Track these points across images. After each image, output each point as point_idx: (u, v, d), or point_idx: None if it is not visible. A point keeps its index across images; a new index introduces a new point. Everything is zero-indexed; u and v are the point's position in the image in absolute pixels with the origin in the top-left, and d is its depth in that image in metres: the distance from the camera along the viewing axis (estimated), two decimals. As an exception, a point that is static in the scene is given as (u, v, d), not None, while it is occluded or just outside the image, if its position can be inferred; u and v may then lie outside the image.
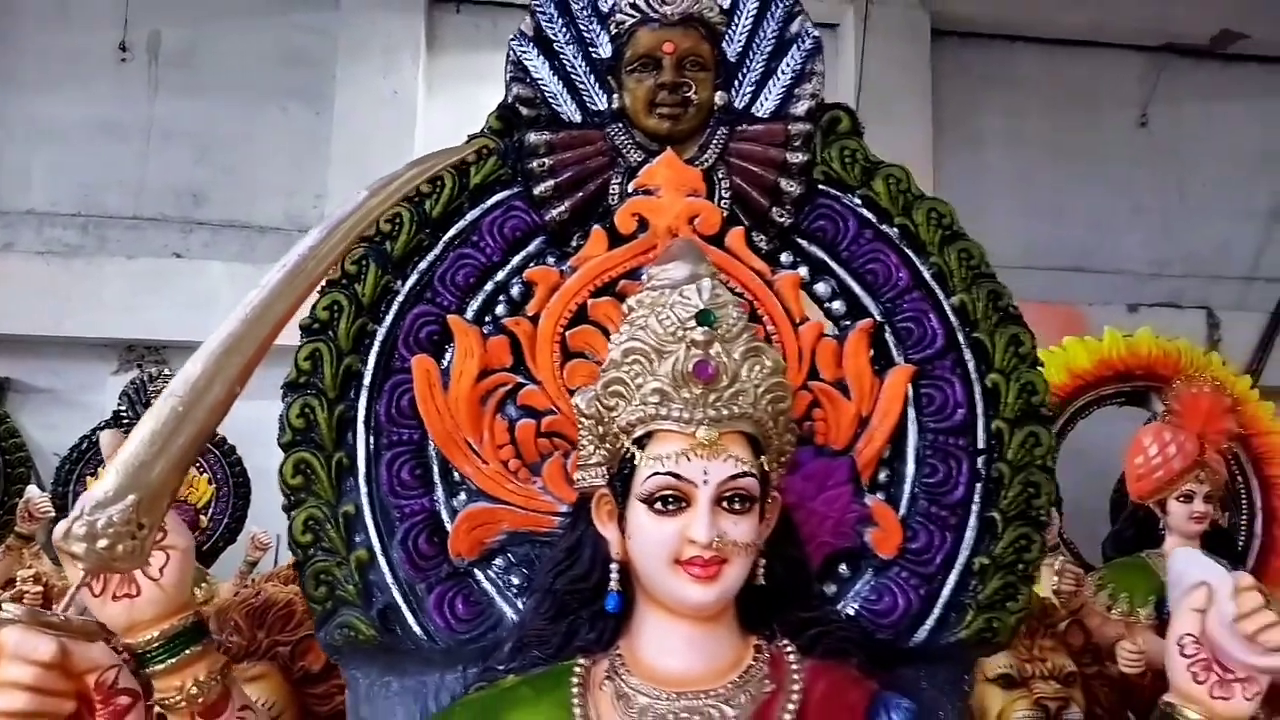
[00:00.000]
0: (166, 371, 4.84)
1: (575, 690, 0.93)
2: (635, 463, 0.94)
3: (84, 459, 4.68)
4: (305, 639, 2.09)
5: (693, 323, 0.94)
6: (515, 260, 1.25)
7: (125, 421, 4.71)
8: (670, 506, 0.91)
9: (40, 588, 3.38)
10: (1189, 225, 6.72)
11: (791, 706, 0.91)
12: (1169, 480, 3.02)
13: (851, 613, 1.12)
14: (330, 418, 1.17)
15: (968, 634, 1.13)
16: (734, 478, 0.91)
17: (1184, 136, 6.76)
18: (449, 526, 1.14)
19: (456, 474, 1.16)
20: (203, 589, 4.28)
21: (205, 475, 4.77)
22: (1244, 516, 3.54)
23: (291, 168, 6.03)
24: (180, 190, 5.91)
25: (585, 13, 1.34)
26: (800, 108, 1.29)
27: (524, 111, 1.30)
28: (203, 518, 4.67)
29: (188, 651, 0.95)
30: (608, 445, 0.98)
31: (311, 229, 0.99)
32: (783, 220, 1.24)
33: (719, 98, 1.29)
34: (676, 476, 0.91)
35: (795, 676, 0.94)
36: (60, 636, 0.73)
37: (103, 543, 0.77)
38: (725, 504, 0.91)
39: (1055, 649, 2.47)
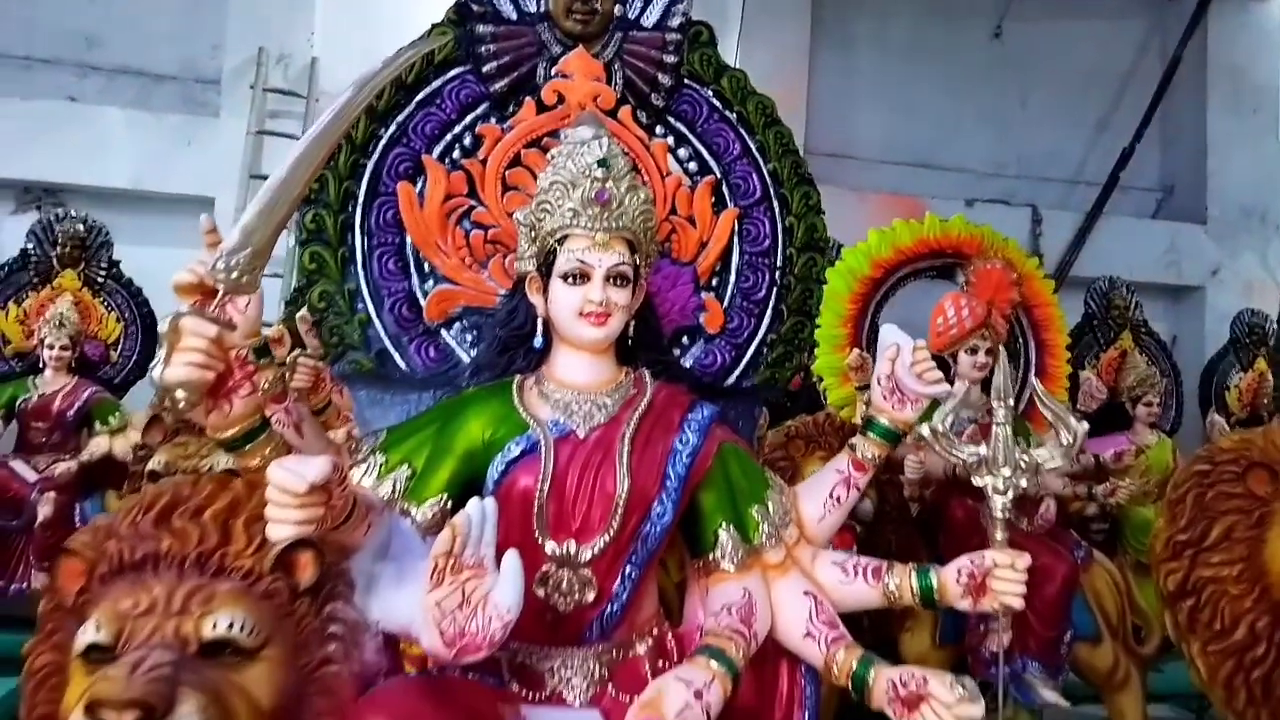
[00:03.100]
0: (73, 213, 4.99)
1: (515, 390, 1.50)
2: (556, 254, 1.48)
3: (-9, 292, 4.78)
4: (267, 422, 2.59)
5: (596, 166, 1.47)
6: (468, 119, 1.75)
7: (34, 259, 4.86)
8: (578, 281, 1.47)
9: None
10: (1026, 131, 7.53)
11: (645, 401, 1.50)
12: (960, 337, 3.65)
13: (687, 364, 1.73)
14: (335, 223, 1.67)
15: (760, 380, 1.77)
16: (617, 265, 1.47)
17: (1031, 50, 7.46)
18: (422, 302, 1.68)
19: (427, 266, 1.69)
20: (115, 419, 4.62)
21: (113, 314, 4.98)
22: (1021, 371, 4.38)
23: (187, 16, 6.02)
24: (72, 32, 5.87)
25: (522, -66, 1.81)
26: (674, 22, 1.82)
27: (474, 8, 1.77)
28: (113, 353, 4.92)
29: (261, 360, 1.47)
30: (538, 244, 1.52)
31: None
32: (658, 103, 1.79)
33: (617, 9, 1.80)
34: (583, 262, 1.46)
35: (648, 388, 1.53)
36: (215, 325, 1.23)
37: (235, 274, 1.27)
38: (611, 280, 1.47)
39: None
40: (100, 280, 4.94)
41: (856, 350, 3.96)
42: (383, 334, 1.65)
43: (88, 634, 1.12)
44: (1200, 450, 3.18)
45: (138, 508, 1.25)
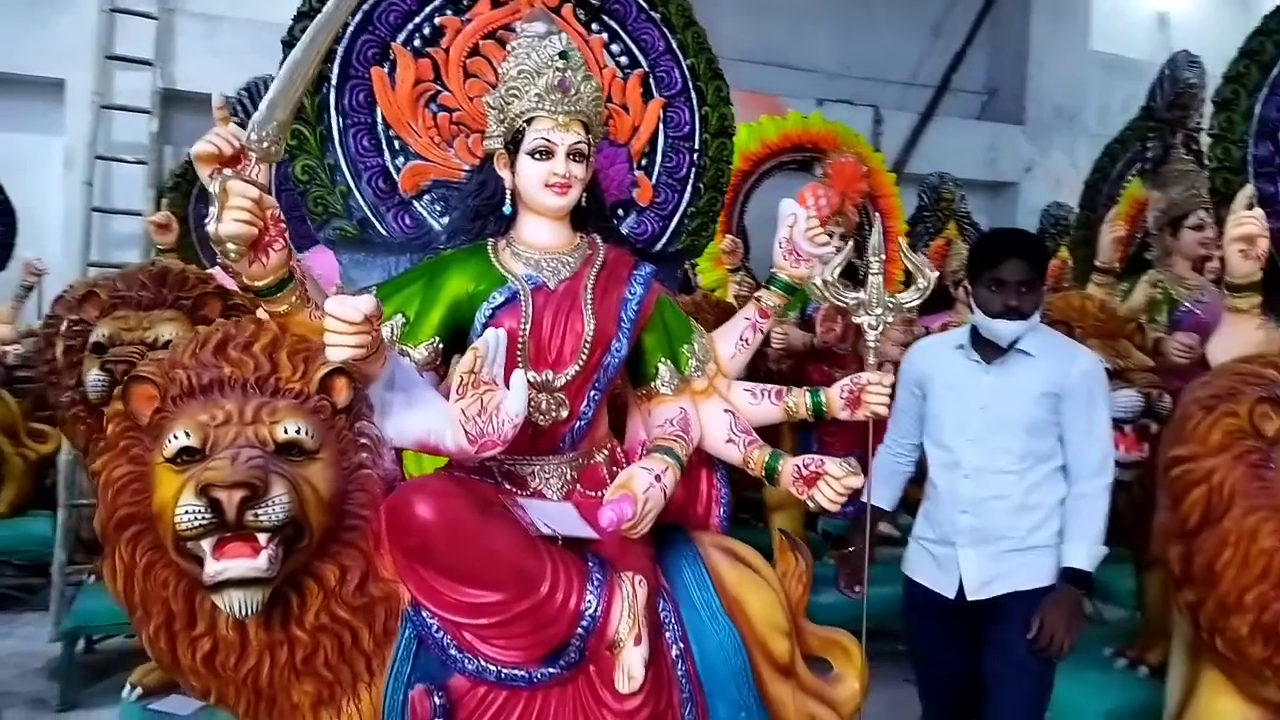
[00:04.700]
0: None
1: (491, 251, 1.78)
2: (524, 134, 1.75)
3: None
4: (200, 296, 2.74)
5: (557, 57, 1.74)
6: (426, 9, 1.96)
7: None
8: (544, 157, 1.74)
9: None
10: (869, 35, 8.04)
11: (600, 259, 1.82)
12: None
13: (624, 231, 2.06)
14: (313, 103, 1.87)
15: (682, 247, 2.13)
16: (576, 143, 1.75)
17: (876, -47, 7.94)
18: (396, 176, 1.92)
19: (397, 144, 1.92)
20: (-21, 311, 4.50)
21: (-31, 202, 4.75)
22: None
23: None
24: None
25: None
26: (606, -72, 2.07)
27: (428, -94, 1.96)
28: (-32, 244, 4.72)
29: None
30: (505, 125, 1.78)
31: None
32: (595, 2, 2.05)
33: (557, -85, 2.03)
34: (548, 140, 1.74)
35: (601, 250, 1.85)
36: (256, 187, 1.44)
37: (265, 144, 1.48)
38: (571, 157, 1.75)
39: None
40: (-48, 165, 4.70)
41: (729, 237, 4.38)
42: (362, 204, 1.89)
43: (178, 440, 1.37)
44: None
45: (194, 344, 1.48)
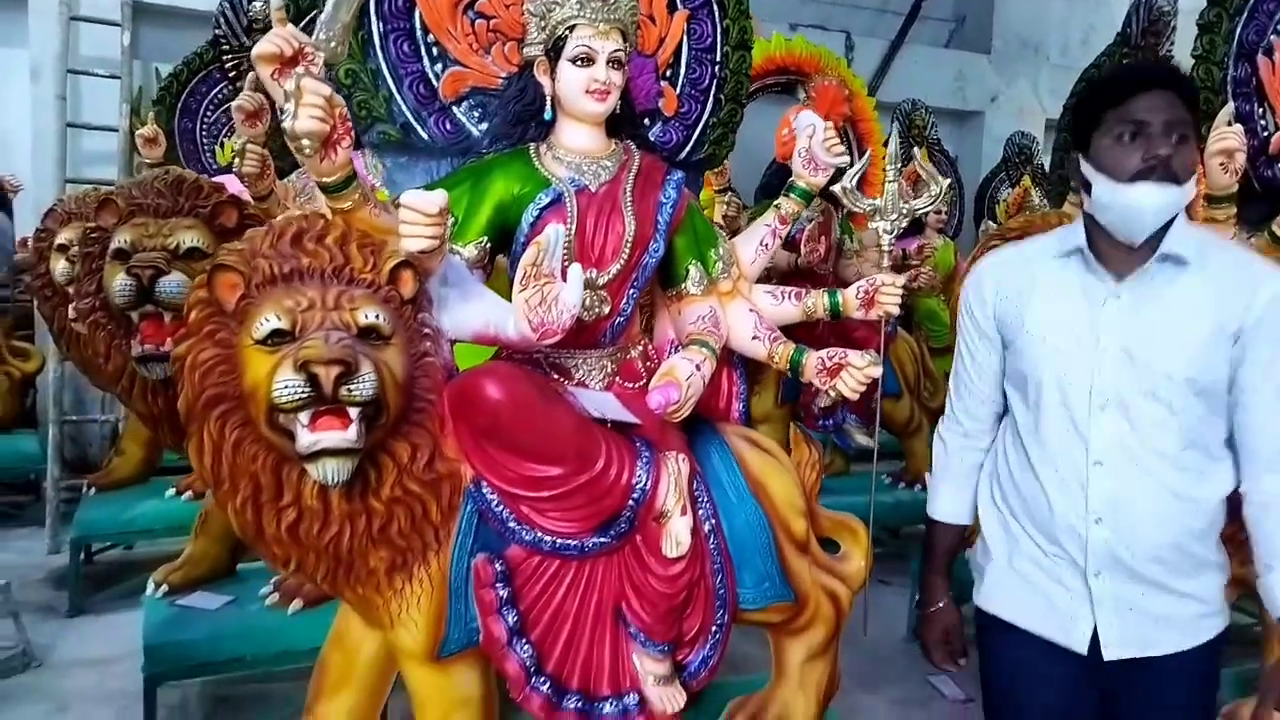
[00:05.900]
0: None
1: (533, 155, 1.87)
2: (565, 41, 1.83)
3: None
4: (217, 205, 2.78)
5: (597, -31, 1.82)
6: (463, -79, 2.00)
7: None
8: (585, 64, 1.83)
9: None
10: (842, -40, 8.05)
11: (635, 163, 1.92)
12: (801, 145, 4.23)
13: (650, 138, 2.15)
14: (354, 8, 1.91)
15: (703, 156, 2.23)
16: (615, 51, 1.84)
17: (849, -124, 7.88)
18: (435, 83, 1.98)
19: (436, 50, 1.98)
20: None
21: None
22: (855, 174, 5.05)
23: None
24: None
25: None
26: None
27: None
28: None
29: None
30: (547, 32, 1.85)
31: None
32: (623, -86, 2.10)
33: None
34: (589, 47, 1.82)
35: (635, 155, 1.95)
36: (327, 85, 1.51)
37: (332, 44, 1.55)
38: (611, 64, 1.84)
39: (722, 246, 3.72)
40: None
41: (716, 156, 4.47)
42: (404, 109, 1.95)
43: (269, 324, 1.46)
44: (994, 228, 3.94)
45: (271, 235, 1.57)
